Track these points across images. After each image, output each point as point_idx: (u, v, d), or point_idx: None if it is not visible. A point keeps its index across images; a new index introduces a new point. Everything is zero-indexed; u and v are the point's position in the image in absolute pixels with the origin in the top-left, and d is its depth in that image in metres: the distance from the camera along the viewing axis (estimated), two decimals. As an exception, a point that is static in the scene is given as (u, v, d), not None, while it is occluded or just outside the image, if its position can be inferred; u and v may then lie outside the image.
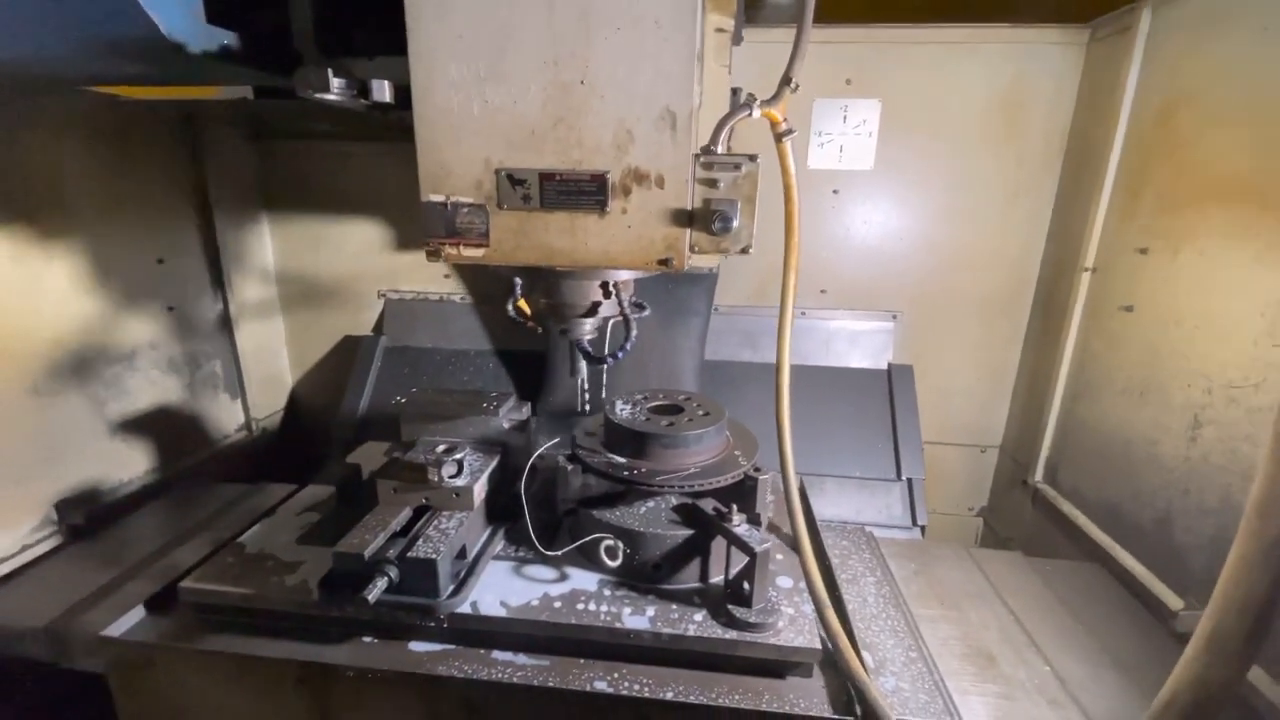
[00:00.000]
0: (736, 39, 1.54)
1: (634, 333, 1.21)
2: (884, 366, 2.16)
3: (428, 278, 2.31)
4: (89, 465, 1.67)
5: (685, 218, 1.01)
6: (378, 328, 2.36)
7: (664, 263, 1.04)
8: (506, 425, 1.44)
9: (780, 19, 2.00)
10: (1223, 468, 1.34)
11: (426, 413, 1.43)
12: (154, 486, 1.83)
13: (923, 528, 1.89)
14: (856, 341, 2.19)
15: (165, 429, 1.91)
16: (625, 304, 1.21)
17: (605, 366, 1.32)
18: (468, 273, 2.29)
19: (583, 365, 1.34)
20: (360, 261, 2.32)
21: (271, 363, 2.40)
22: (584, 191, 1.01)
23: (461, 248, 1.06)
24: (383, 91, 1.04)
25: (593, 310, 1.20)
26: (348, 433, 2.13)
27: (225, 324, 2.15)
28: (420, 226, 1.08)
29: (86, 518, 1.62)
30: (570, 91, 0.97)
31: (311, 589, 1.18)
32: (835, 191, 2.07)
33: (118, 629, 1.20)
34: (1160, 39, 1.62)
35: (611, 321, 1.28)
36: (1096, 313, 1.82)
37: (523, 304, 1.24)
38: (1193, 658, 0.50)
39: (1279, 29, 1.28)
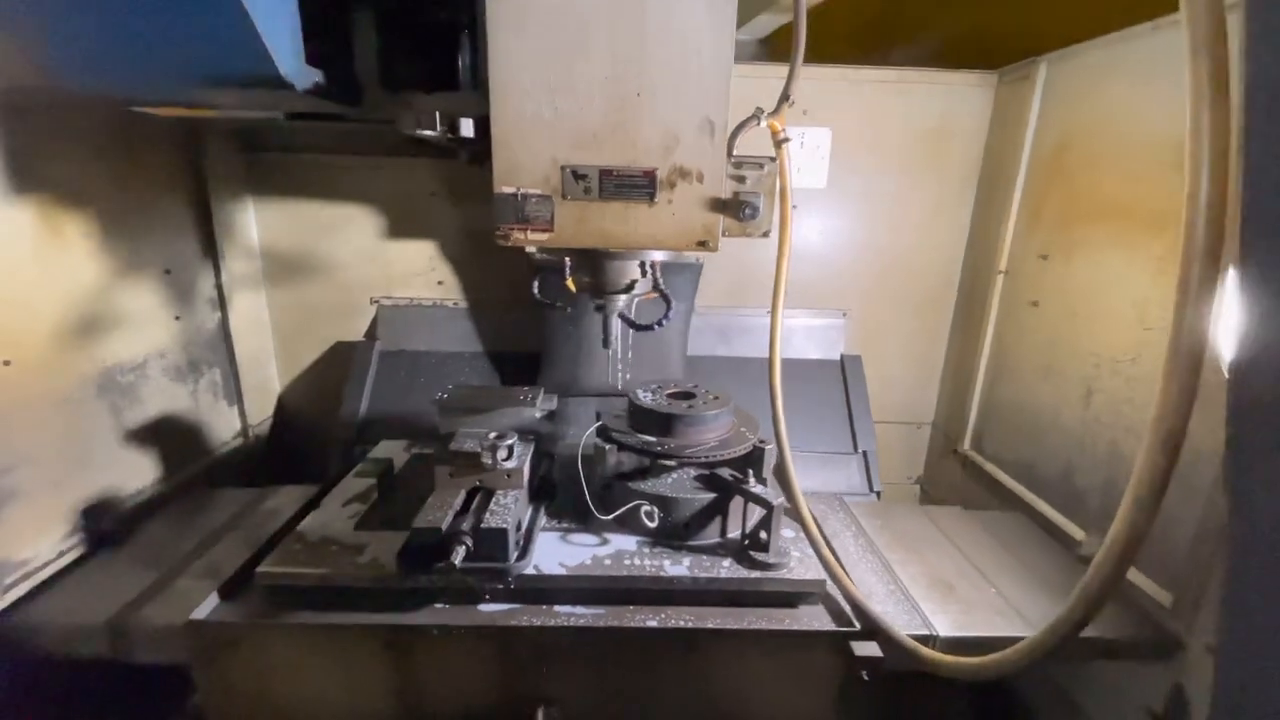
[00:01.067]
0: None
1: (672, 305, 1.45)
2: (837, 357, 2.50)
3: (421, 285, 2.43)
4: (110, 472, 1.71)
5: (719, 206, 1.24)
6: (370, 333, 2.45)
7: (702, 244, 1.27)
8: (539, 415, 1.62)
9: (743, 56, 2.29)
10: (1110, 425, 1.72)
11: (467, 406, 1.59)
12: (167, 492, 1.87)
13: (879, 493, 2.22)
14: (813, 336, 2.51)
15: (174, 436, 1.95)
16: (661, 281, 1.43)
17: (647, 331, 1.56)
18: (465, 277, 2.43)
19: (615, 334, 1.50)
20: (351, 271, 2.41)
21: (263, 370, 2.43)
22: (637, 185, 1.22)
23: (529, 232, 1.24)
24: (469, 128, 1.21)
25: (630, 287, 1.41)
26: (349, 433, 2.22)
27: (224, 332, 2.19)
28: (495, 206, 1.23)
29: (113, 524, 1.66)
30: (628, 102, 1.17)
31: (384, 564, 1.32)
32: (795, 206, 2.37)
33: (201, 614, 1.29)
34: (1055, 87, 2.01)
35: (637, 299, 1.49)
36: (1009, 308, 2.21)
37: (570, 283, 1.43)
38: (1124, 514, 0.78)
39: (1144, 85, 1.67)
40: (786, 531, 1.51)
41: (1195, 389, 0.70)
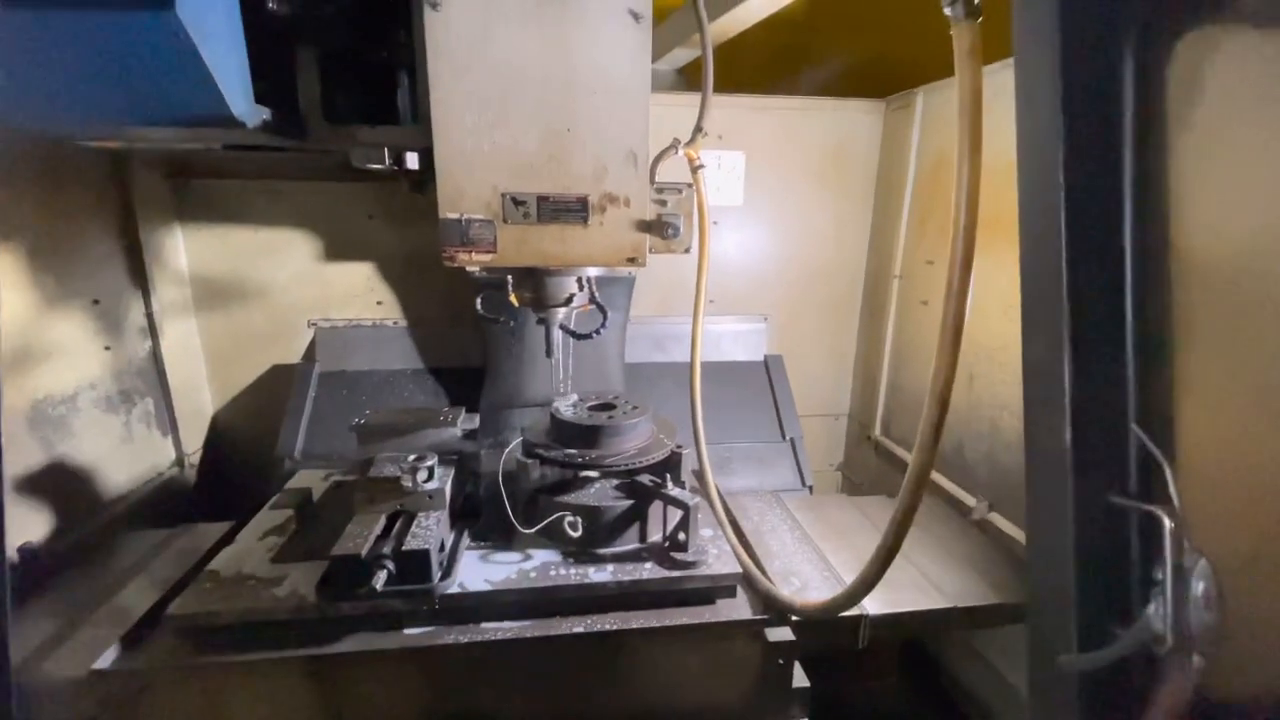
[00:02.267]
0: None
1: (607, 316, 1.58)
2: (761, 358, 2.71)
3: (360, 306, 2.47)
4: (41, 508, 1.68)
5: (645, 227, 1.40)
6: (308, 355, 2.46)
7: (631, 260, 1.42)
8: (460, 435, 1.66)
9: (661, 85, 2.50)
10: (989, 404, 2.00)
11: (386, 430, 1.61)
12: (102, 525, 1.84)
13: (810, 487, 2.39)
14: (739, 340, 2.71)
15: (108, 469, 1.92)
16: (596, 294, 1.57)
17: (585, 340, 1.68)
18: (404, 296, 2.49)
19: (557, 345, 1.61)
20: (288, 294, 2.42)
21: (198, 398, 2.40)
22: (571, 209, 1.36)
23: (474, 254, 1.35)
24: (414, 160, 1.32)
25: (569, 300, 1.55)
26: (291, 454, 2.23)
27: (156, 361, 2.16)
28: (440, 231, 1.33)
29: (47, 558, 1.63)
30: (560, 136, 1.32)
31: (304, 595, 1.30)
32: (715, 222, 2.58)
33: (105, 662, 1.22)
34: (931, 114, 2.31)
35: (575, 311, 1.61)
36: (904, 307, 2.49)
37: (514, 297, 1.54)
38: (915, 457, 0.98)
39: (989, 116, 1.96)
40: (705, 531, 1.58)
41: (956, 360, 0.93)
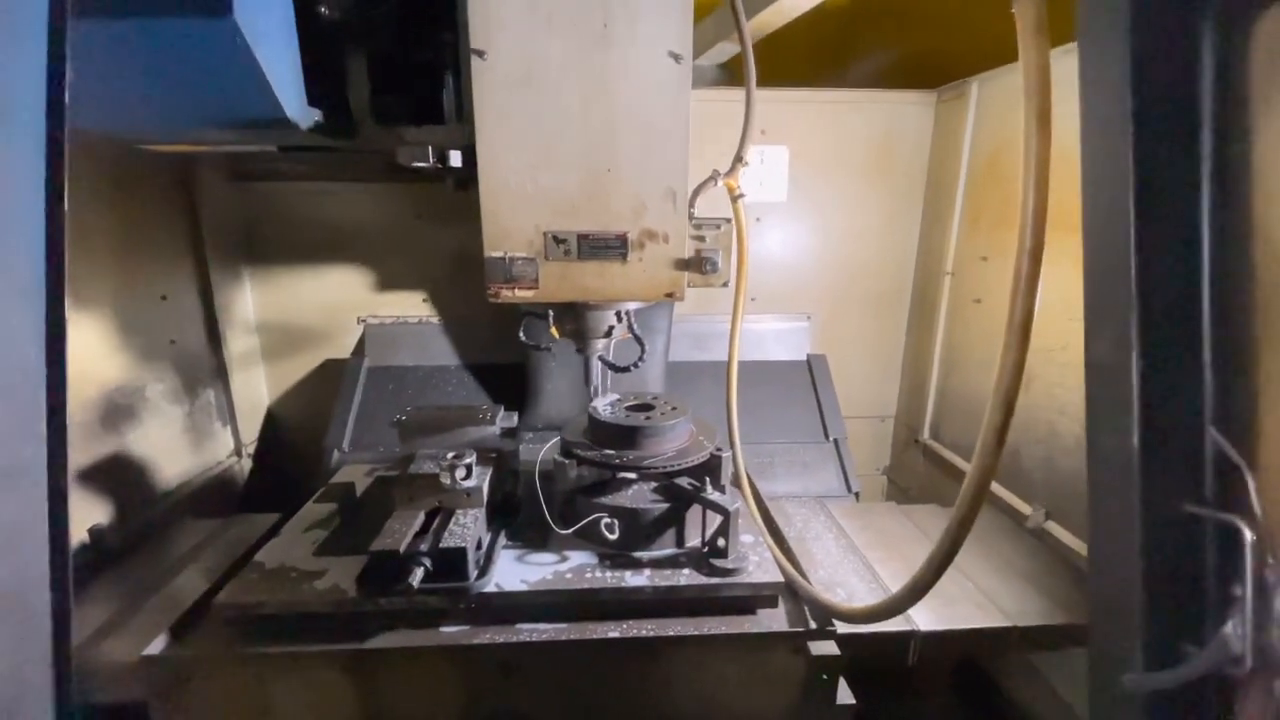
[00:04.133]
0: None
1: (646, 348, 1.58)
2: (804, 358, 2.66)
3: (408, 304, 2.54)
4: (112, 492, 1.77)
5: (684, 263, 1.42)
6: (358, 351, 2.54)
7: (669, 295, 1.43)
8: (499, 433, 1.67)
9: (704, 81, 2.47)
10: (1046, 408, 1.90)
11: (426, 427, 1.63)
12: (164, 511, 1.94)
13: (857, 494, 2.30)
14: (781, 339, 2.67)
15: (172, 456, 2.02)
16: (635, 327, 1.57)
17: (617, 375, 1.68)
18: (443, 297, 2.55)
19: (596, 375, 1.64)
20: (339, 291, 2.50)
21: (255, 389, 2.51)
22: (610, 246, 1.39)
23: (517, 290, 1.40)
24: (457, 159, 1.34)
25: (608, 333, 1.56)
26: (340, 446, 2.30)
27: (217, 354, 2.27)
28: (486, 269, 1.37)
29: (119, 542, 1.72)
30: (601, 177, 1.34)
31: (343, 589, 1.31)
32: (758, 219, 2.54)
33: (155, 649, 1.26)
34: (986, 103, 2.22)
35: (615, 341, 1.63)
36: (956, 306, 2.40)
37: (554, 330, 1.57)
38: (976, 461, 0.93)
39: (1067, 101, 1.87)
40: (746, 537, 1.53)
41: (1024, 358, 0.86)
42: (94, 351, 1.74)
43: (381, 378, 2.49)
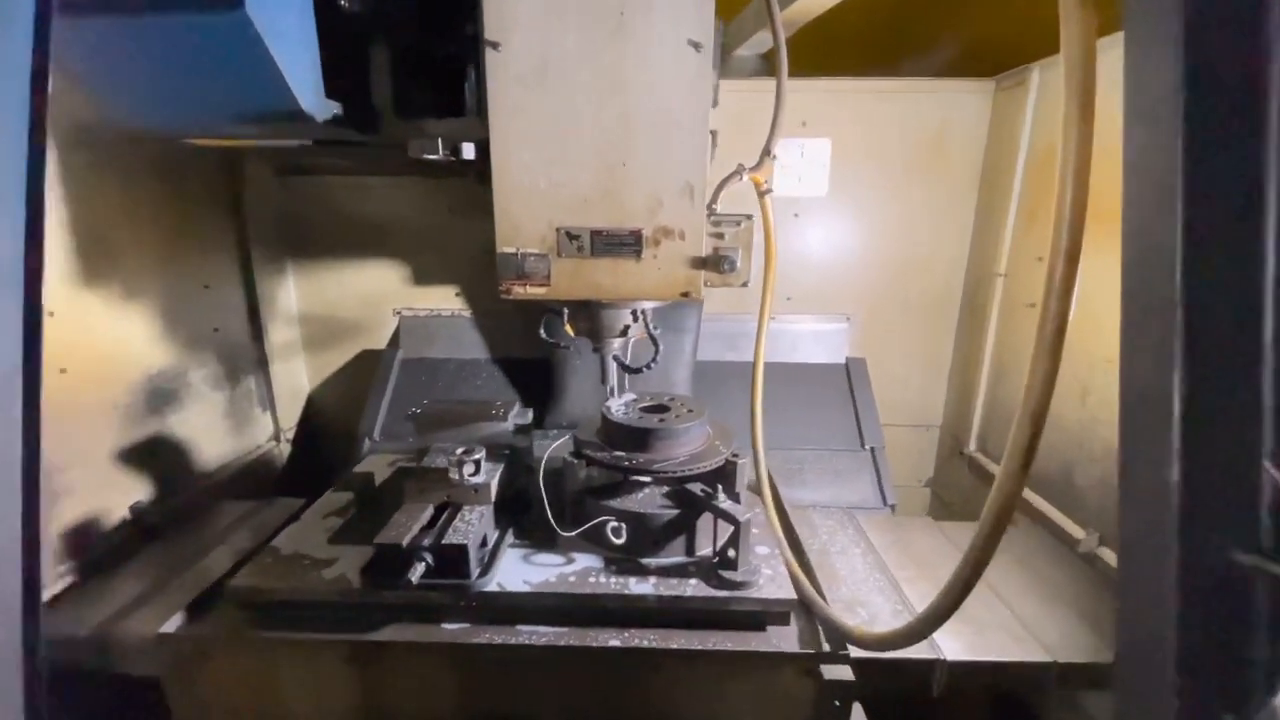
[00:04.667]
0: (714, 103, 1.90)
1: (661, 348, 1.53)
2: (842, 361, 2.54)
3: (441, 297, 2.56)
4: (153, 473, 1.86)
5: (700, 261, 1.35)
6: (393, 342, 2.59)
7: (685, 294, 1.38)
8: (513, 429, 1.65)
9: (745, 71, 2.38)
10: (1106, 423, 1.75)
11: (440, 420, 1.63)
12: (202, 492, 2.02)
13: (893, 506, 2.17)
14: (818, 341, 2.56)
15: (212, 440, 2.11)
16: (650, 326, 1.52)
17: (637, 375, 1.63)
18: (474, 291, 2.56)
19: (613, 375, 1.60)
20: (376, 284, 2.55)
21: (295, 377, 2.59)
22: (624, 243, 1.34)
23: (528, 287, 1.37)
24: (470, 151, 1.33)
25: (624, 331, 1.52)
26: (371, 435, 2.35)
27: (258, 342, 2.35)
28: (498, 265, 1.36)
29: (158, 519, 1.80)
30: (615, 171, 1.30)
31: (350, 580, 1.33)
32: (796, 215, 2.44)
33: (171, 627, 1.31)
34: (1048, 92, 2.05)
35: (633, 340, 1.59)
36: (1009, 310, 2.24)
37: (569, 327, 1.54)
38: (999, 484, 0.84)
39: (1118, 91, 1.71)
40: (761, 548, 1.49)
41: (1056, 371, 0.77)
42: (139, 337, 1.82)
43: (415, 369, 2.53)
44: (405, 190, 2.44)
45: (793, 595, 1.34)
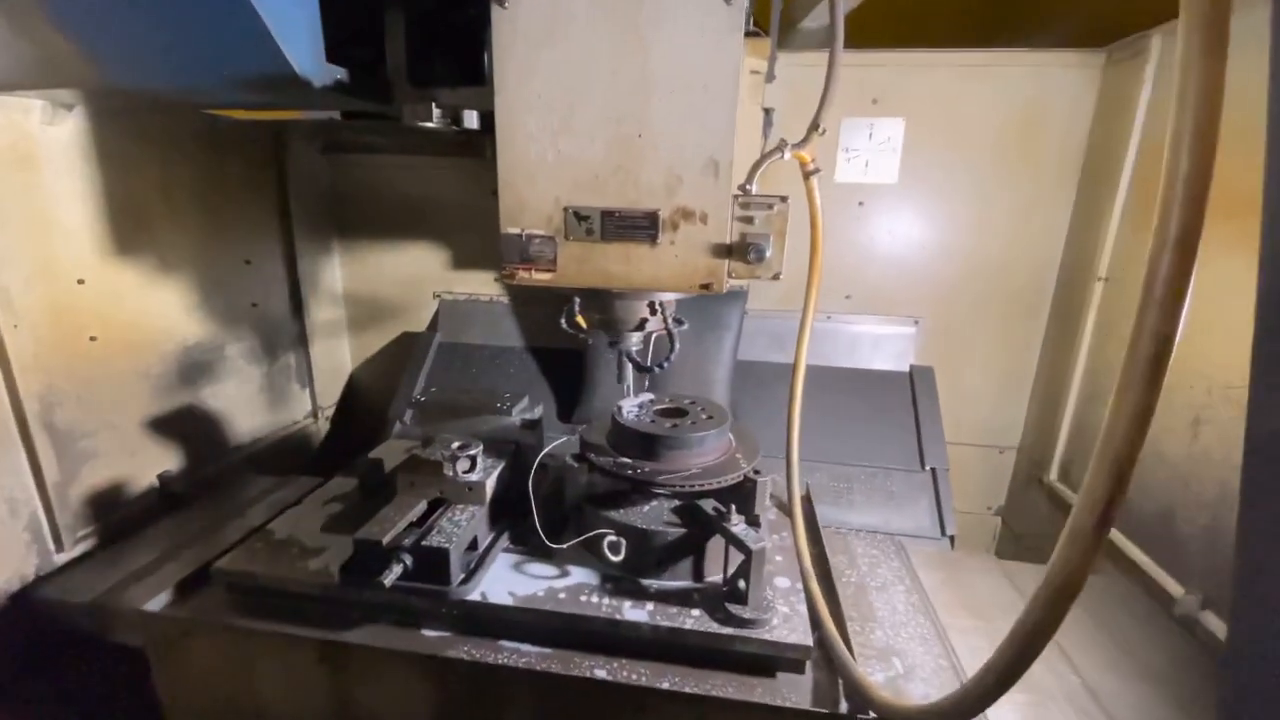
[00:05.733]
0: (769, 77, 1.70)
1: (677, 346, 1.36)
2: (906, 369, 2.29)
3: (480, 281, 2.50)
4: (184, 442, 1.88)
5: (724, 250, 1.18)
6: (433, 325, 2.55)
7: (705, 287, 1.20)
8: (519, 424, 1.53)
9: (810, 44, 2.15)
10: (1220, 462, 1.44)
11: (443, 410, 1.51)
12: (233, 465, 2.04)
13: (952, 538, 1.92)
14: (880, 345, 2.32)
15: (247, 413, 2.13)
16: (669, 320, 1.36)
17: (651, 375, 1.46)
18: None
19: (629, 373, 1.46)
20: (418, 265, 2.52)
21: (336, 355, 2.61)
22: (639, 226, 1.18)
23: (533, 272, 1.24)
24: (472, 120, 1.22)
25: (641, 325, 1.36)
26: (402, 418, 2.32)
27: (299, 319, 2.37)
28: (501, 246, 1.24)
29: (185, 489, 1.82)
30: (630, 143, 1.14)
31: (333, 573, 1.25)
32: (860, 204, 2.21)
33: (155, 605, 1.28)
34: (1171, 64, 1.72)
35: (654, 335, 1.43)
36: (1109, 320, 1.92)
37: (580, 319, 1.40)
38: (1066, 543, 0.64)
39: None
40: (781, 580, 1.31)
41: (1152, 407, 0.56)
42: (174, 308, 1.84)
43: (450, 354, 2.49)
44: (448, 171, 2.39)
45: (808, 642, 1.15)
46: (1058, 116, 2.03)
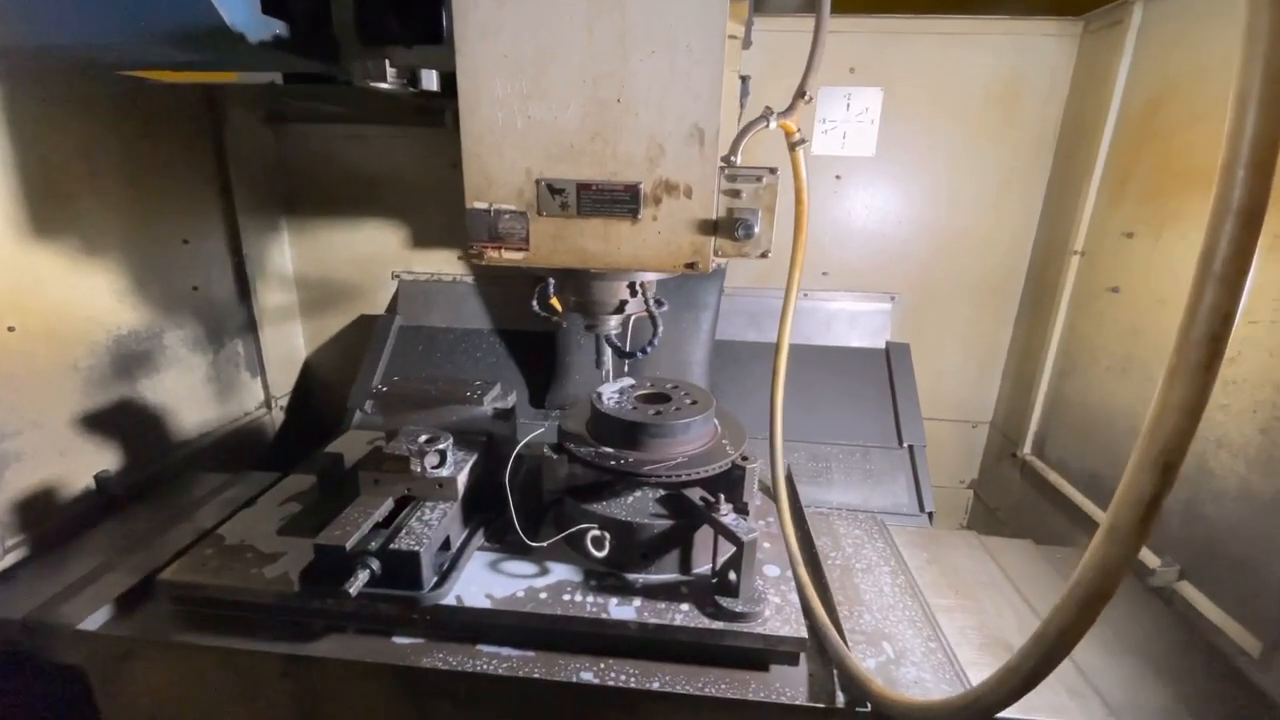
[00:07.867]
0: (746, 43, 1.61)
1: (660, 329, 1.28)
2: (882, 345, 2.27)
3: (442, 260, 2.37)
4: (122, 440, 1.73)
5: (710, 225, 1.09)
6: (391, 307, 2.42)
7: (690, 266, 1.12)
8: (491, 413, 1.43)
9: (785, 8, 2.07)
10: (1199, 436, 1.44)
11: (406, 401, 1.41)
12: (179, 461, 1.90)
13: (930, 514, 1.91)
14: (856, 322, 2.29)
15: (192, 406, 1.98)
16: (650, 302, 1.28)
17: (632, 360, 1.38)
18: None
19: (608, 358, 1.39)
20: (374, 243, 2.38)
21: (288, 341, 2.45)
22: (618, 200, 1.08)
23: (503, 251, 1.13)
24: (431, 81, 1.11)
25: (620, 308, 1.27)
26: (362, 407, 2.19)
27: (246, 303, 2.20)
28: (468, 223, 1.14)
29: (125, 490, 1.68)
30: (607, 108, 1.04)
31: (292, 581, 1.17)
32: (838, 177, 2.15)
33: (93, 623, 1.18)
34: (1150, 33, 1.70)
35: (634, 317, 1.35)
36: (1084, 294, 1.92)
37: (554, 301, 1.31)
38: (1097, 545, 0.60)
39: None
40: (770, 569, 1.27)
41: (1207, 393, 0.52)
42: (103, 294, 1.68)
43: (412, 338, 2.36)
44: (405, 141, 2.24)
45: (802, 634, 1.12)
46: (1035, 87, 2.00)
